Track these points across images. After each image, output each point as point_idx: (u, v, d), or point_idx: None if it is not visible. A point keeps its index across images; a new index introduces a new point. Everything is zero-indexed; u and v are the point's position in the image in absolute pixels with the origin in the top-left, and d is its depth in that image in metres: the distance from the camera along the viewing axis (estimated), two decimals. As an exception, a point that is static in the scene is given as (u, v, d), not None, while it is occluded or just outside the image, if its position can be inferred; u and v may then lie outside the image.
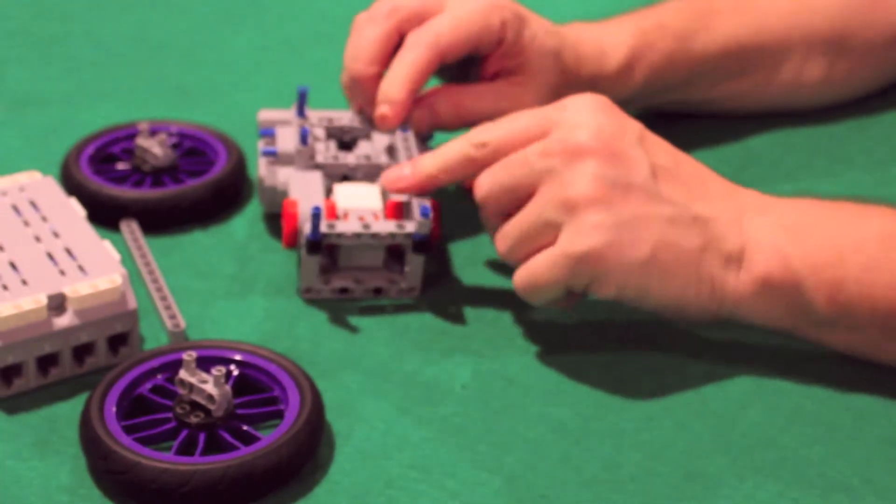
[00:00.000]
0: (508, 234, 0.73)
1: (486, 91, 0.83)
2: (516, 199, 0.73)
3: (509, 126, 0.75)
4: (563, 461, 0.69)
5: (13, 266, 0.73)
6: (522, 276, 0.73)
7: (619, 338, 0.77)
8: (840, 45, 0.92)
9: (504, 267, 0.81)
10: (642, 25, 0.88)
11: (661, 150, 0.73)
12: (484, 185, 0.74)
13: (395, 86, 0.80)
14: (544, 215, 0.71)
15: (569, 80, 0.84)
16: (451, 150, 0.76)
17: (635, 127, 0.73)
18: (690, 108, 0.93)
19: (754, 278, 0.71)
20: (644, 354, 0.75)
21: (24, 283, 0.72)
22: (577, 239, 0.70)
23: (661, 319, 0.75)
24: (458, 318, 0.78)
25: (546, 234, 0.72)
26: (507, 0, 0.83)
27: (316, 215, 0.75)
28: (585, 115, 0.73)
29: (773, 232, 0.72)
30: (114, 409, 0.68)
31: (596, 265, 0.70)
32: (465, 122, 0.82)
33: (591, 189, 0.70)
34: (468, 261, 0.82)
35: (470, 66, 0.84)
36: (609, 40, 0.87)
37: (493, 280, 0.81)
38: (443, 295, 0.79)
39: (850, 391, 0.73)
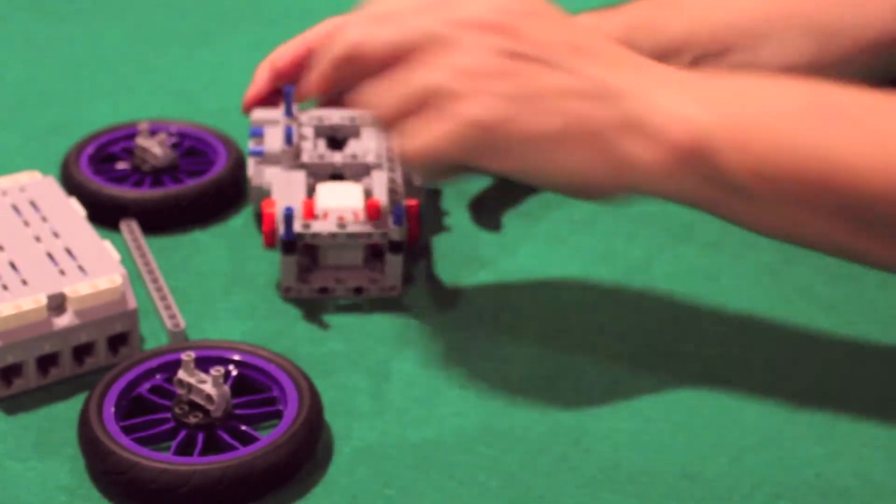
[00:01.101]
0: (391, 93, 0.70)
1: None
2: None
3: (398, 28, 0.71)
4: (561, 462, 0.69)
5: (13, 266, 0.73)
6: (415, 143, 0.69)
7: (618, 338, 0.77)
8: (829, 28, 0.89)
9: (503, 266, 0.81)
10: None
11: (572, 25, 0.71)
12: (377, 99, 0.71)
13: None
14: (442, 82, 0.68)
15: None
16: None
17: (543, 3, 0.71)
18: None
19: (667, 148, 0.67)
20: (643, 355, 0.75)
21: (24, 283, 0.72)
22: (482, 107, 0.67)
23: (662, 319, 0.75)
24: (456, 318, 0.78)
25: (439, 100, 0.68)
26: None
27: (288, 216, 0.75)
28: None
29: (686, 102, 0.68)
30: (112, 409, 0.68)
31: (501, 136, 0.68)
32: None
33: (496, 60, 0.68)
34: (466, 259, 0.82)
35: None
36: None
37: (492, 279, 0.81)
38: (441, 294, 0.79)
39: (849, 392, 0.73)
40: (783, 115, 0.68)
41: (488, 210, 0.86)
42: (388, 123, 0.70)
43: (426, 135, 0.68)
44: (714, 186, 0.68)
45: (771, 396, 0.73)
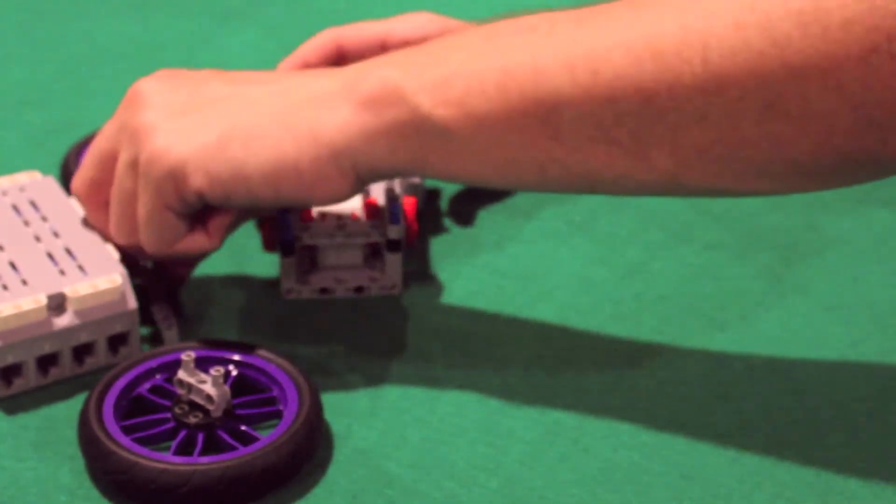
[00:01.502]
0: (112, 217, 0.73)
1: None
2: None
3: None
4: (560, 462, 0.69)
5: (13, 266, 0.73)
6: (148, 241, 0.72)
7: (618, 338, 0.77)
8: None
9: (502, 266, 0.81)
10: None
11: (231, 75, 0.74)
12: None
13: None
14: (122, 167, 0.72)
15: None
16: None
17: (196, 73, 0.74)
18: None
19: (353, 105, 0.68)
20: (642, 354, 0.75)
21: (24, 283, 0.72)
22: (151, 154, 0.70)
23: (662, 319, 0.75)
24: (456, 318, 0.78)
25: (133, 188, 0.71)
26: None
27: (286, 218, 0.76)
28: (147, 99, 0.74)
29: (368, 66, 0.69)
30: (112, 409, 0.68)
31: (176, 167, 0.69)
32: None
33: (150, 117, 0.71)
34: (465, 259, 0.82)
35: None
36: None
37: (491, 279, 0.81)
38: (440, 294, 0.79)
39: (848, 392, 0.73)
40: (462, 43, 0.68)
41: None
42: (131, 238, 0.73)
43: (143, 226, 0.72)
44: (413, 135, 0.67)
45: (771, 396, 0.73)
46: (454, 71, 0.67)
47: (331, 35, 0.84)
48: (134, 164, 0.71)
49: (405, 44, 0.78)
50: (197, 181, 0.69)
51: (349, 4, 1.10)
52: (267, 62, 1.03)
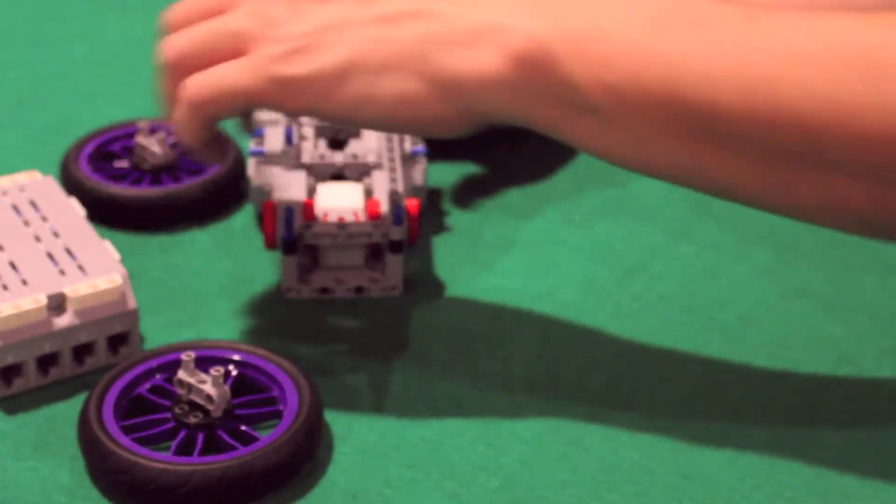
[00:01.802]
0: (186, 37, 0.69)
1: None
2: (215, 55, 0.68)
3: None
4: (560, 461, 0.69)
5: (13, 266, 0.73)
6: (203, 80, 0.68)
7: (618, 338, 0.77)
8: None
9: (503, 266, 0.81)
10: None
11: None
12: (176, 44, 0.70)
13: None
14: (233, 24, 0.68)
15: None
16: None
17: None
18: None
19: (501, 59, 0.63)
20: (642, 354, 0.75)
21: (24, 282, 0.72)
22: (271, 50, 0.66)
23: (662, 319, 0.75)
24: (455, 318, 0.78)
25: (231, 44, 0.68)
26: None
27: (289, 216, 0.76)
28: None
29: (523, 12, 0.64)
30: (112, 409, 0.68)
31: (291, 75, 0.66)
32: None
33: (285, 6, 0.67)
34: (466, 259, 0.82)
35: None
36: None
37: (490, 279, 0.81)
38: (440, 294, 0.79)
39: (848, 392, 0.73)
40: (628, 22, 0.63)
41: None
42: (177, 68, 0.69)
43: (217, 74, 0.67)
44: (556, 101, 0.64)
45: (770, 396, 0.73)
46: (617, 51, 0.62)
47: None
48: (243, 37, 0.67)
49: None
50: (297, 105, 0.66)
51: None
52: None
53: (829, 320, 0.78)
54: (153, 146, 0.85)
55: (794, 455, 0.69)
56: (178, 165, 0.86)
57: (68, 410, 0.71)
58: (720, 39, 0.62)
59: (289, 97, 0.66)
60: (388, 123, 0.67)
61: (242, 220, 0.85)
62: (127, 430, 0.68)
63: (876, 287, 0.80)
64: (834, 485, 0.68)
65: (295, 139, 0.81)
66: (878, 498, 0.67)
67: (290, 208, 0.76)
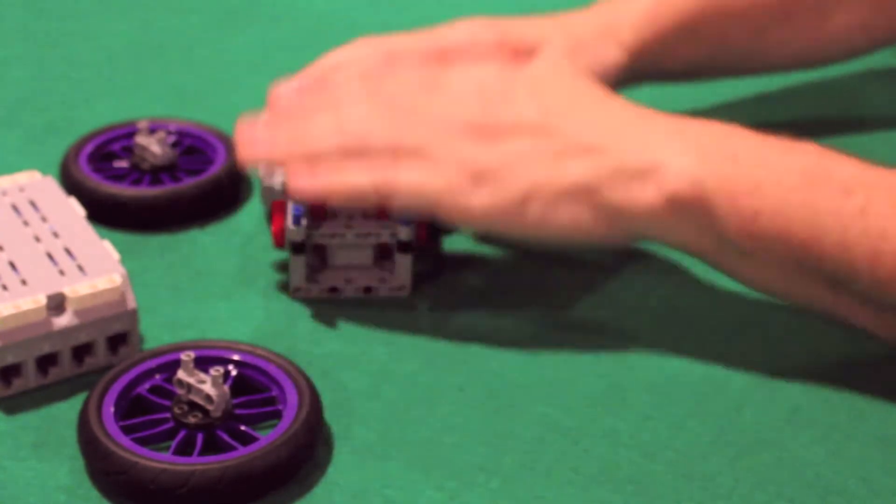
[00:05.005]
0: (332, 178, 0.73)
1: None
2: None
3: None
4: (560, 462, 0.69)
5: (13, 266, 0.73)
6: (390, 185, 0.72)
7: (618, 338, 0.77)
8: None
9: (506, 267, 0.81)
10: None
11: (557, 84, 0.73)
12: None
13: None
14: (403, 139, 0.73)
15: None
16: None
17: (525, 70, 0.74)
18: (730, 68, 0.90)
19: (663, 196, 0.70)
20: (641, 354, 0.75)
21: (24, 283, 0.72)
22: (437, 175, 0.72)
23: (662, 319, 0.75)
24: (455, 318, 0.78)
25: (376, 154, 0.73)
26: None
27: (298, 216, 0.76)
28: (472, 70, 0.75)
29: (685, 154, 0.70)
30: (112, 409, 0.68)
31: (451, 205, 0.72)
32: None
33: (464, 120, 0.72)
34: (465, 259, 0.82)
35: None
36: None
37: (490, 279, 0.81)
38: (440, 294, 0.79)
39: (847, 392, 0.73)
40: (777, 178, 0.69)
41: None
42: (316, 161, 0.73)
43: (406, 183, 0.72)
44: (708, 238, 0.70)
45: (771, 396, 0.73)
46: (765, 207, 0.68)
47: (382, 48, 0.81)
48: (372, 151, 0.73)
49: (463, 54, 0.79)
50: (470, 224, 0.74)
51: (348, 4, 1.10)
52: (267, 62, 1.04)
53: (828, 320, 0.78)
54: (153, 146, 0.85)
55: (795, 455, 0.69)
56: (177, 165, 0.86)
57: (68, 410, 0.71)
58: (855, 204, 0.68)
59: (472, 223, 0.73)
60: (560, 242, 0.73)
61: (242, 220, 0.85)
62: (126, 430, 0.68)
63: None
64: (834, 485, 0.68)
65: None
66: (879, 498, 0.67)
67: (299, 209, 0.76)
